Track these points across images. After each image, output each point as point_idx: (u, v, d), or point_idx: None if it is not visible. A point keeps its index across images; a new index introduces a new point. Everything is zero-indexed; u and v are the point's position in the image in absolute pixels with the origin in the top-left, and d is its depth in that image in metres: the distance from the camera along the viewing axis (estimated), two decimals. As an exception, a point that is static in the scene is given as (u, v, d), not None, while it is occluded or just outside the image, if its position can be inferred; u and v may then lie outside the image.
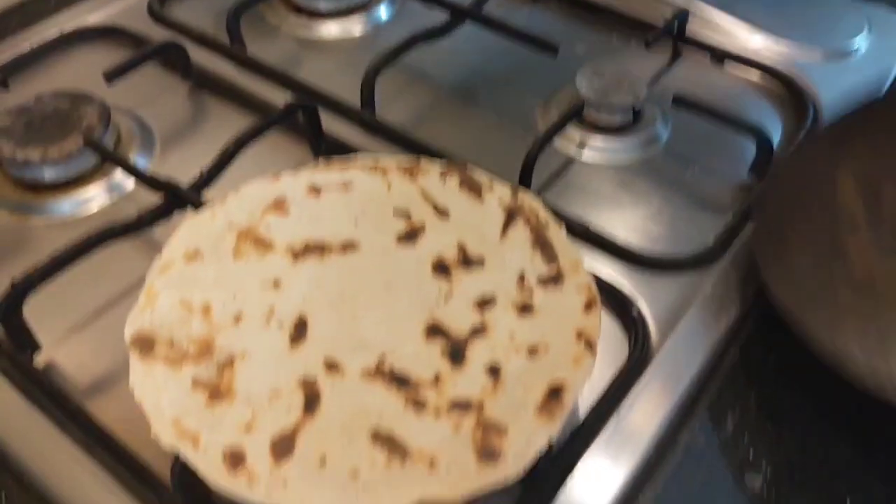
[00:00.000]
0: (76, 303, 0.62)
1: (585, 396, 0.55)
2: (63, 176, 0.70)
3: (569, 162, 0.75)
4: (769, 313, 0.60)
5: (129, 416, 0.53)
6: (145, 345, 0.49)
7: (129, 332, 0.50)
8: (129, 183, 0.72)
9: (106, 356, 0.58)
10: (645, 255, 0.64)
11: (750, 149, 0.71)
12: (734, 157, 0.74)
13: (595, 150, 0.76)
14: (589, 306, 0.52)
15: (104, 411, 0.54)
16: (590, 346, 0.50)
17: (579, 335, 0.50)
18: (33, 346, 0.58)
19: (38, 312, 0.58)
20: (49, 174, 0.70)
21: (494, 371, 0.48)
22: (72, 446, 0.52)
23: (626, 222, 0.69)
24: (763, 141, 0.70)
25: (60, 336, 0.60)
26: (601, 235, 0.65)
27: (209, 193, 0.66)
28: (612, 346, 0.59)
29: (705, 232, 0.66)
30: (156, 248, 0.60)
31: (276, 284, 0.53)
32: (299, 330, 0.51)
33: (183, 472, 0.46)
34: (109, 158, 0.69)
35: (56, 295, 0.60)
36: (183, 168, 0.68)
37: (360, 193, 0.59)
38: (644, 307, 0.60)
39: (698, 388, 0.56)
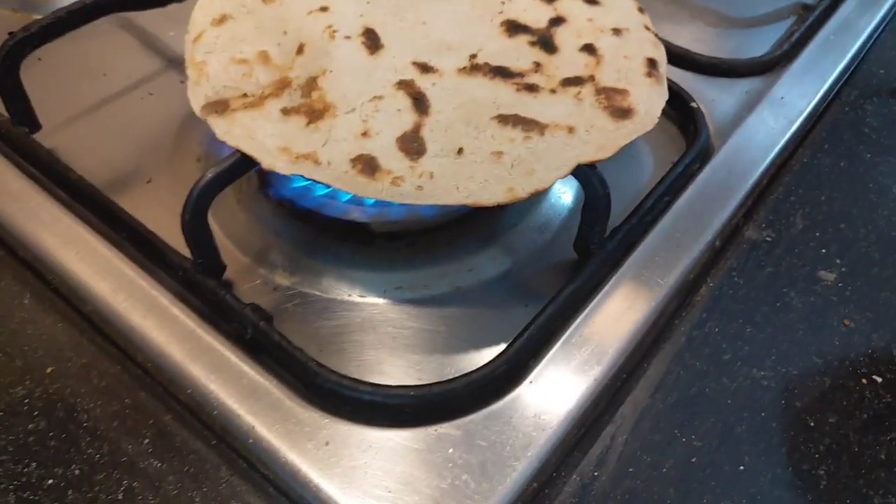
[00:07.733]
0: (79, 93, 0.55)
1: (643, 188, 0.50)
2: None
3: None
4: (845, 118, 0.57)
5: (136, 205, 0.47)
6: (220, 107, 0.42)
7: (197, 106, 0.43)
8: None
9: (108, 147, 0.51)
10: (704, 60, 0.60)
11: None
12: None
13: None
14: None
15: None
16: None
17: (646, 27, 0.50)
18: (33, 123, 0.51)
19: (39, 97, 0.51)
20: (53, -38, 0.64)
21: (590, 49, 0.47)
22: (75, 222, 0.45)
23: (682, 34, 0.65)
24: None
25: (62, 123, 0.52)
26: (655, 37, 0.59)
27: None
28: (670, 152, 0.54)
29: (770, 41, 0.64)
30: (163, 50, 0.56)
31: (324, 9, 0.47)
32: (371, 39, 0.45)
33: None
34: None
35: (58, 84, 0.55)
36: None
37: None
38: (704, 109, 0.56)
39: (763, 187, 0.53)
